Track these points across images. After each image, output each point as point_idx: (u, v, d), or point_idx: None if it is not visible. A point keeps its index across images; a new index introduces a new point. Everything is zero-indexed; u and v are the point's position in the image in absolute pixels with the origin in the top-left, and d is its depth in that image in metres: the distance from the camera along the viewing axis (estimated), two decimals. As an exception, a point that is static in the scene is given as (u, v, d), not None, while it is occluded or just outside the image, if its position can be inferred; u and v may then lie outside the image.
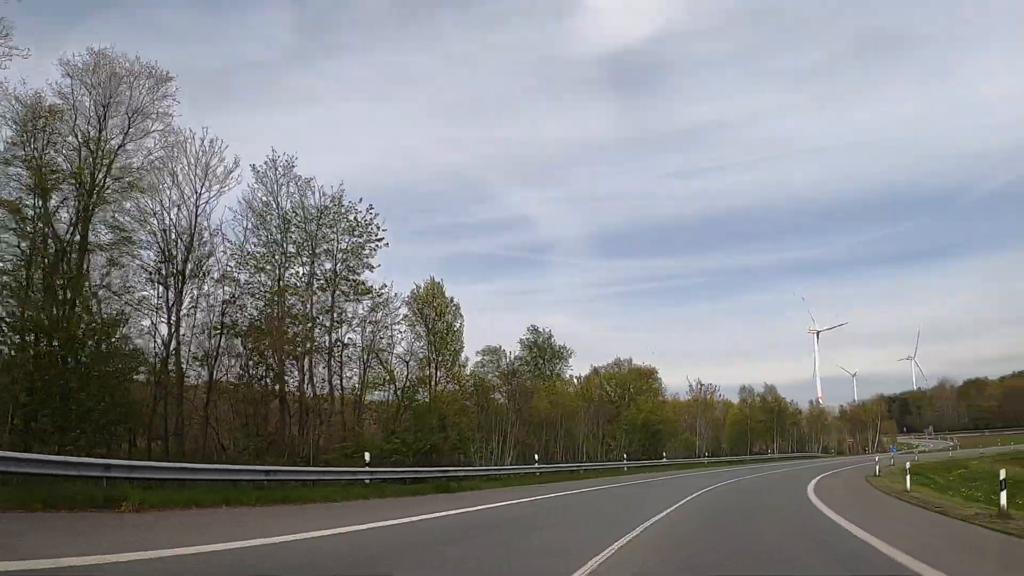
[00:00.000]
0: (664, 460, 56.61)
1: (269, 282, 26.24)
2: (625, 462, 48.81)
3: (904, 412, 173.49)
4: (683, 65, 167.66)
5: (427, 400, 34.07)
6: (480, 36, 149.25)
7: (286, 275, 26.99)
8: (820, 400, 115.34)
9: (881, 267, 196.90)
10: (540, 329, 61.82)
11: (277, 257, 26.68)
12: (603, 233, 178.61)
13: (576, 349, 61.46)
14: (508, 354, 51.90)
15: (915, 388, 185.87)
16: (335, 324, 27.88)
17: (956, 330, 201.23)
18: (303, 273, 27.53)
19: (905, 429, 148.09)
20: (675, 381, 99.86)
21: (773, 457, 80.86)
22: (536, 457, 35.87)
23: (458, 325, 38.38)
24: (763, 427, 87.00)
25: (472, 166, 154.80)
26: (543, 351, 61.48)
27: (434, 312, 37.37)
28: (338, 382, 28.56)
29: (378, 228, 28.75)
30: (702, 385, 75.29)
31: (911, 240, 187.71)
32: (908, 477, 24.33)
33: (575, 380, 60.68)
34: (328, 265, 28.06)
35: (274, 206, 26.92)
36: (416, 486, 22.89)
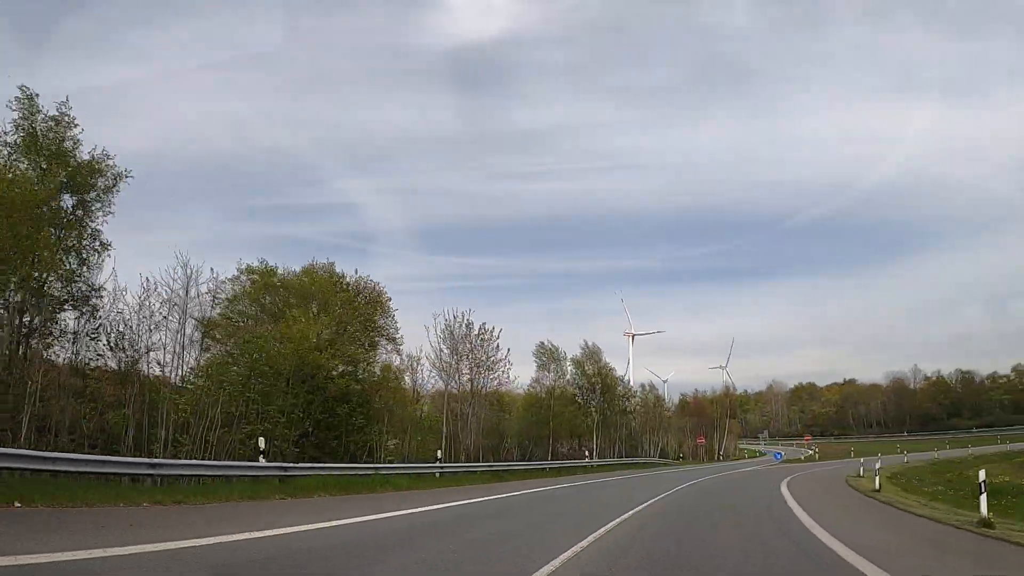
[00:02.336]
0: (257, 467, 18.66)
1: None
2: None
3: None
4: (528, 69, 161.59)
5: None
6: (326, 13, 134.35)
7: None
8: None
9: (699, 281, 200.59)
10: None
11: None
12: (428, 228, 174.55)
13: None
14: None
15: (739, 392, 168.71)
16: None
17: (769, 345, 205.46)
18: None
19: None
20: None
21: (590, 465, 46.33)
22: None
23: None
24: (578, 413, 52.31)
25: (302, 147, 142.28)
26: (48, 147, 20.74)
27: None
28: None
29: None
30: (468, 324, 38.55)
31: (731, 258, 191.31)
32: None
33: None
34: None
35: None
36: None
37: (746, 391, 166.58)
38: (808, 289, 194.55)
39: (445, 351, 37.57)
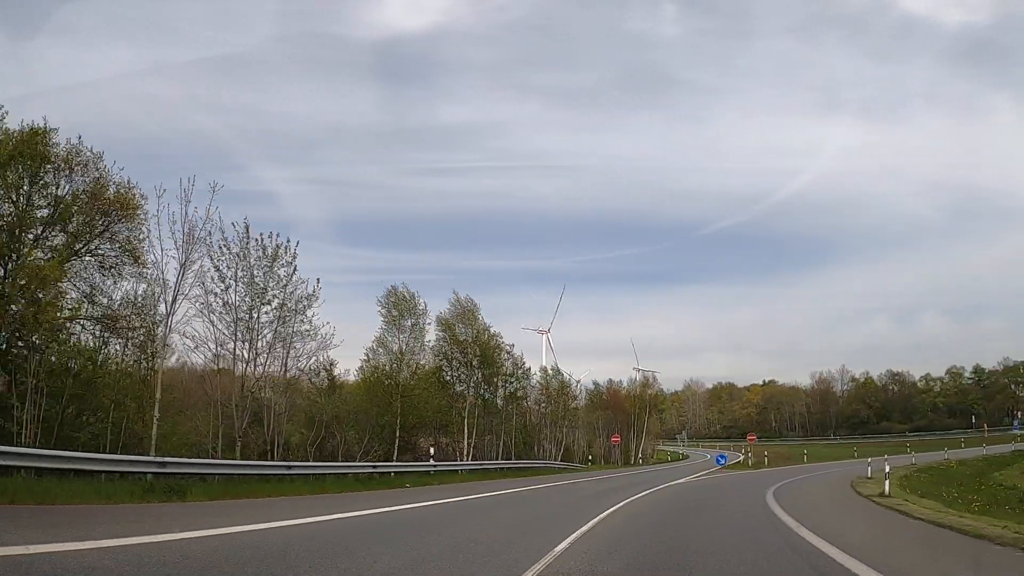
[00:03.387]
0: None
1: None
2: None
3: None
4: (454, 66, 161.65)
5: None
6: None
7: None
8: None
9: (615, 284, 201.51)
10: None
11: None
12: (346, 220, 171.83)
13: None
14: None
15: (656, 390, 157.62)
16: None
17: (683, 349, 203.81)
18: None
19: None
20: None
21: (455, 472, 30.16)
22: None
23: None
24: (444, 396, 36.18)
25: (221, 132, 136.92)
26: None
27: None
28: None
29: None
30: (243, 230, 21.77)
31: (647, 263, 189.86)
32: None
33: None
34: None
35: None
36: None
37: (662, 390, 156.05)
38: (723, 295, 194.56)
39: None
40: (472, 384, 38.85)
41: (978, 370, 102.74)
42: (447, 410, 38.14)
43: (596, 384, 68.59)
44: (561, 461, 48.29)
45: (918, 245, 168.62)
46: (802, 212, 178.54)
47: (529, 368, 44.75)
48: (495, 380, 40.53)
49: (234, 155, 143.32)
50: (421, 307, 35.84)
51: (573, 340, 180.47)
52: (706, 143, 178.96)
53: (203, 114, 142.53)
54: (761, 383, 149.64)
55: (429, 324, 35.90)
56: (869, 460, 32.11)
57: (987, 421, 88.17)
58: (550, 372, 55.46)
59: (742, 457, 58.21)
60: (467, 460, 36.50)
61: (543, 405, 53.27)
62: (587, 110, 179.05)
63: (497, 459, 39.92)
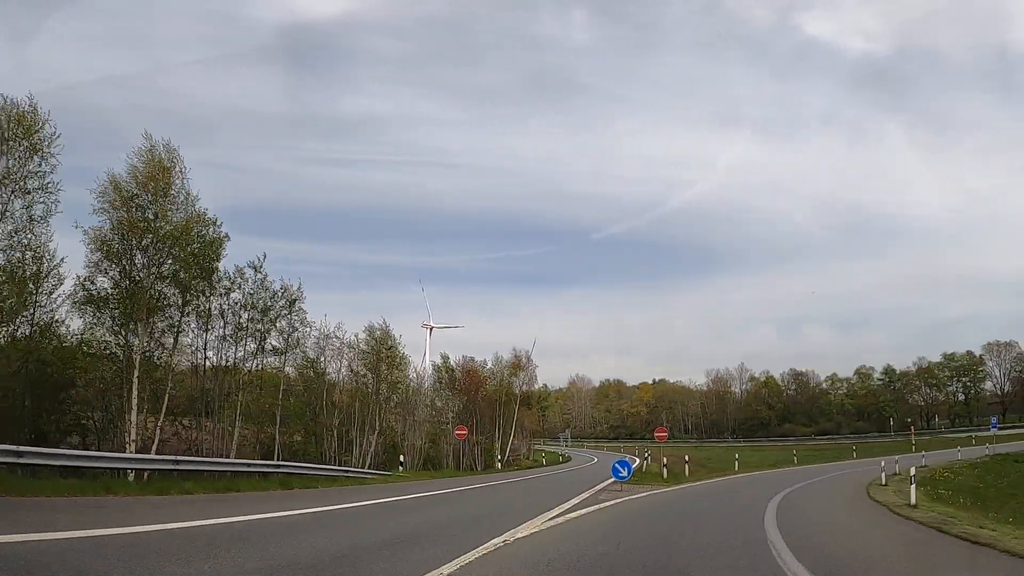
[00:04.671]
0: None
1: None
2: None
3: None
4: (361, 56, 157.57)
5: None
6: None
7: None
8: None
9: (505, 284, 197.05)
10: None
11: None
12: (239, 207, 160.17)
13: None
14: None
15: (540, 386, 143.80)
16: None
17: (572, 351, 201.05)
18: None
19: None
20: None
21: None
22: None
23: None
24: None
25: (116, 108, 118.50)
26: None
27: None
28: None
29: None
30: None
31: (538, 264, 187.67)
32: None
33: None
34: None
35: None
36: None
37: (546, 385, 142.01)
38: (614, 298, 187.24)
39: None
40: (170, 314, 20.27)
41: (888, 371, 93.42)
42: (115, 359, 19.52)
43: (444, 358, 50.38)
44: (364, 469, 30.20)
45: (805, 259, 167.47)
46: (695, 221, 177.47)
47: (296, 300, 26.03)
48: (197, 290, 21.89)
49: (127, 133, 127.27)
50: (39, 124, 17.06)
51: (460, 340, 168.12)
52: (605, 149, 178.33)
53: (97, 88, 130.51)
54: (652, 382, 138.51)
55: (55, 168, 17.18)
56: (887, 462, 16.30)
57: (901, 424, 78.28)
58: (376, 336, 37.06)
59: (639, 461, 41.89)
60: (134, 451, 17.91)
61: (358, 378, 35.28)
62: (491, 109, 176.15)
63: (225, 456, 21.56)
